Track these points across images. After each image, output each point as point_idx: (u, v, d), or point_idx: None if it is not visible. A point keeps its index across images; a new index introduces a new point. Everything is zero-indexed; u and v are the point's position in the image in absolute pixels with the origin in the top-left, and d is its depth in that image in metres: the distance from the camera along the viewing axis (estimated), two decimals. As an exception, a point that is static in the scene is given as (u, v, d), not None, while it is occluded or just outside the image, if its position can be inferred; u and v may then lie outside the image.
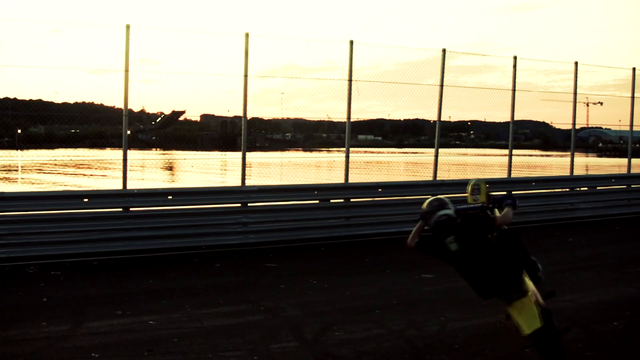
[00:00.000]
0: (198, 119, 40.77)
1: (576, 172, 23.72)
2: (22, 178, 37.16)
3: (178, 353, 8.54)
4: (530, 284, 8.00)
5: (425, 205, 8.41)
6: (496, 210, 8.64)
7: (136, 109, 32.95)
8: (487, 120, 27.78)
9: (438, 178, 19.65)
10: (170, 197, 16.14)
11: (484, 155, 53.00)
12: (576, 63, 22.12)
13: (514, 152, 21.59)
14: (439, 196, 8.61)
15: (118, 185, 15.90)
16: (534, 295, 7.81)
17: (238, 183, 16.91)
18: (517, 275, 7.80)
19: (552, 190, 22.59)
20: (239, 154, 17.00)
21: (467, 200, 9.04)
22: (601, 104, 29.04)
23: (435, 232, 8.21)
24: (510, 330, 9.38)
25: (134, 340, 9.11)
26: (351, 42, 17.73)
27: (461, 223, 8.19)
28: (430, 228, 8.27)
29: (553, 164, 48.33)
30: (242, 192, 16.69)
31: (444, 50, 19.23)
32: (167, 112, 34.47)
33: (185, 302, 11.06)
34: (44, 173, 39.89)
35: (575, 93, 22.26)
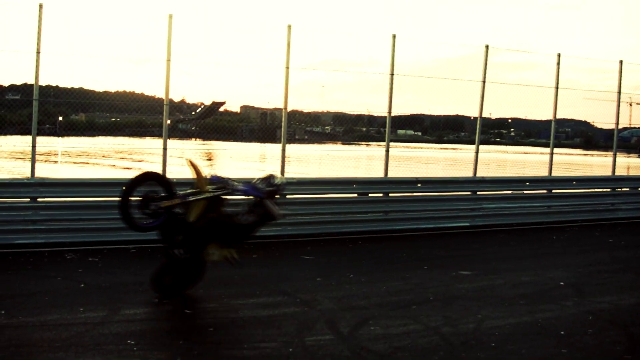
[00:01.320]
0: (238, 110, 40.75)
1: (618, 173, 23.45)
2: (63, 164, 37.43)
3: (213, 343, 8.55)
4: None
5: None
6: None
7: (176, 99, 32.99)
8: (528, 118, 27.54)
9: (478, 175, 19.53)
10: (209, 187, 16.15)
11: (524, 152, 52.63)
12: (621, 62, 21.87)
13: (555, 150, 21.40)
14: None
15: (158, 174, 15.93)
16: None
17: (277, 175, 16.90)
18: None
19: (593, 190, 22.37)
20: (279, 146, 17.00)
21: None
22: (645, 103, 28.68)
23: None
24: (548, 330, 9.32)
25: (170, 328, 9.15)
26: (394, 36, 17.67)
27: None
28: None
29: (594, 163, 47.89)
30: (281, 184, 16.67)
31: (487, 46, 19.10)
32: (208, 102, 34.52)
33: (222, 292, 11.08)
34: (84, 160, 40.16)
35: (619, 92, 22.01)
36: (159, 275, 10.67)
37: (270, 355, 8.14)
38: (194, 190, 11.01)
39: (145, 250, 14.33)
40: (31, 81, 14.47)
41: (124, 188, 10.74)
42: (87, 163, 39.21)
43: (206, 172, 11.23)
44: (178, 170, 14.99)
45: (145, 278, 11.46)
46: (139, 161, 38.26)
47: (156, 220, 10.86)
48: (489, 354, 8.48)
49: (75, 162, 39.34)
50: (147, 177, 11.16)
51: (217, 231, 10.69)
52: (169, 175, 15.71)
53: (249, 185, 11.02)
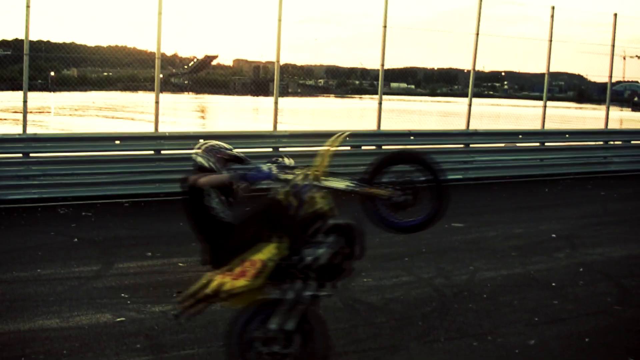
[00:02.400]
0: (231, 63, 40.56)
1: (610, 126, 23.45)
2: (55, 120, 37.31)
3: (207, 295, 8.59)
4: None
5: None
6: None
7: (169, 53, 32.83)
8: (521, 71, 27.48)
9: (471, 128, 19.51)
10: (201, 141, 16.14)
11: (517, 106, 52.61)
12: (615, 14, 21.74)
13: (548, 104, 21.37)
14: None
15: (150, 129, 15.92)
16: None
17: (270, 128, 16.86)
18: None
19: (586, 143, 22.37)
20: (271, 99, 16.95)
21: None
22: (638, 57, 28.63)
23: None
24: (539, 282, 9.39)
25: (163, 282, 9.17)
26: (387, -13, 17.56)
27: None
28: None
29: (587, 117, 47.79)
30: (274, 137, 16.65)
31: (480, -2, 18.99)
32: (200, 56, 34.39)
33: (215, 245, 11.09)
34: (77, 115, 40.02)
35: (613, 45, 21.91)
36: None
37: (263, 307, 8.17)
38: None
39: (139, 204, 14.36)
40: (22, 36, 14.37)
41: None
42: (80, 117, 39.08)
43: None
44: (170, 125, 14.94)
45: (138, 232, 11.49)
46: (131, 119, 38.15)
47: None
48: (481, 305, 8.54)
49: (67, 117, 39.20)
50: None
51: None
52: (161, 128, 15.70)
53: None
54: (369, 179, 6.42)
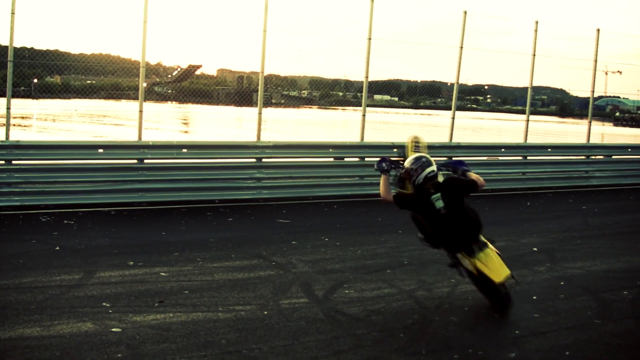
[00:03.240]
0: (215, 73, 40.58)
1: (592, 141, 23.60)
2: (38, 127, 37.20)
3: (188, 305, 8.58)
4: (482, 237, 8.72)
5: (411, 162, 8.63)
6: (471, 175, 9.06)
7: (153, 62, 32.83)
8: (504, 84, 27.59)
9: (453, 140, 19.58)
10: (185, 150, 16.17)
11: (500, 119, 52.76)
12: (598, 30, 21.90)
13: (531, 117, 21.48)
14: (422, 154, 8.85)
15: (133, 137, 15.91)
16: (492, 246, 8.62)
17: (253, 138, 16.88)
18: (479, 230, 8.64)
19: (568, 157, 22.52)
20: (255, 110, 16.98)
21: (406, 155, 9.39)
22: (620, 72, 28.84)
23: (420, 188, 8.57)
24: (520, 295, 9.43)
25: (145, 291, 9.16)
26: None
27: (445, 182, 8.68)
28: (416, 184, 8.57)
29: (569, 131, 48.10)
30: (257, 147, 16.66)
31: (465, 12, 19.09)
32: (184, 66, 34.42)
33: (197, 255, 11.10)
34: (60, 123, 39.93)
35: (595, 60, 22.07)
36: None
37: (245, 318, 8.17)
38: None
39: (121, 213, 14.34)
40: (6, 43, 14.34)
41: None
42: (64, 124, 38.95)
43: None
44: (153, 134, 14.93)
45: (121, 241, 11.47)
46: (117, 127, 38.09)
47: None
48: (462, 318, 8.57)
49: (50, 125, 39.08)
50: None
51: None
52: (145, 137, 15.69)
53: None
54: None
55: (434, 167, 8.54)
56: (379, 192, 8.92)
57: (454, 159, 9.35)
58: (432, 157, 8.72)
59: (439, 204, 8.47)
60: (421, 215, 8.75)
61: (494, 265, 8.46)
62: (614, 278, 10.90)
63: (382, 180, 8.87)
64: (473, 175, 9.01)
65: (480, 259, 8.50)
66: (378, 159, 9.10)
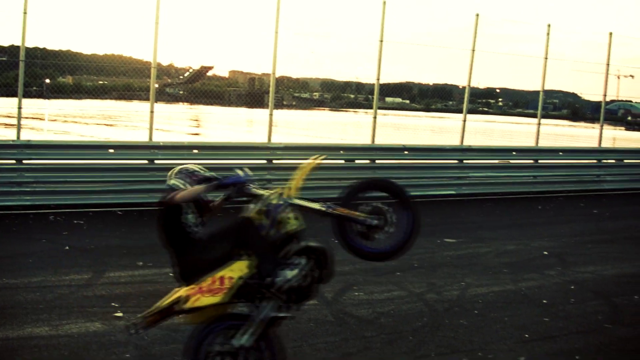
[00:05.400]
0: (226, 75, 40.60)
1: (604, 145, 23.54)
2: (49, 127, 37.27)
3: (197, 306, 8.56)
4: None
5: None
6: None
7: (165, 62, 32.89)
8: (516, 88, 27.54)
9: (465, 143, 19.54)
10: (195, 151, 16.17)
11: (512, 122, 52.64)
12: (610, 34, 21.85)
13: (542, 121, 21.43)
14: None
15: (144, 138, 15.91)
16: None
17: (264, 140, 16.86)
18: None
19: (579, 161, 22.44)
20: (266, 111, 16.97)
21: None
22: (632, 77, 28.72)
23: None
24: (531, 299, 9.39)
25: (154, 291, 9.13)
26: (384, 2, 17.58)
27: None
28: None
29: (581, 135, 47.95)
30: (268, 149, 16.64)
31: (477, 15, 19.05)
32: (196, 67, 34.48)
33: (207, 256, 11.07)
34: (71, 123, 39.99)
35: (608, 64, 22.00)
36: None
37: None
38: None
39: (131, 213, 14.34)
40: (18, 42, 14.37)
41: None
42: (74, 125, 39.03)
43: None
44: (164, 135, 14.93)
45: (130, 241, 11.48)
46: (127, 127, 38.13)
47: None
48: (472, 321, 8.53)
49: (62, 125, 39.16)
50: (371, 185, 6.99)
51: None
52: (155, 138, 15.69)
53: None
54: (343, 203, 6.36)
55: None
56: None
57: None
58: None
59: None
60: None
61: None
62: (625, 282, 10.85)
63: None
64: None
65: None
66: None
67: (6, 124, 30.00)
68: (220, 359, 5.73)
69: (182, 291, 5.86)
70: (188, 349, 5.88)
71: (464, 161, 19.46)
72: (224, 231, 6.07)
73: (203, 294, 5.73)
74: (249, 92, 37.13)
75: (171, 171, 6.50)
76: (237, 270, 5.74)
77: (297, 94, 38.25)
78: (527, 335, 8.12)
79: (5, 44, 20.21)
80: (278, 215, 6.07)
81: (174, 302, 5.88)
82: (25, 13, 14.11)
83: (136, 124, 35.08)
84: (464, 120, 19.47)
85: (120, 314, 8.13)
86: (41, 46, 18.89)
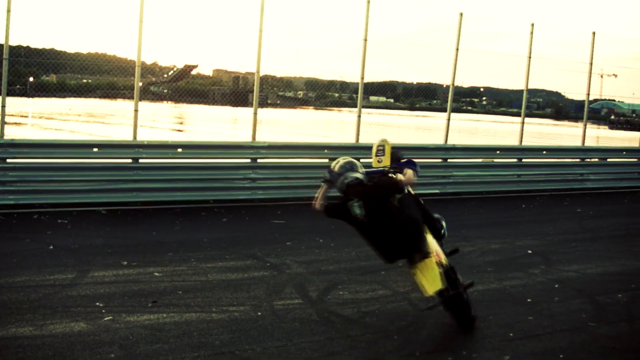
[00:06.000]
0: (210, 73, 40.57)
1: (587, 143, 23.63)
2: (33, 125, 37.15)
3: (182, 305, 8.56)
4: (433, 243, 8.20)
5: (335, 166, 8.02)
6: (398, 175, 8.23)
7: (149, 61, 32.82)
8: (500, 87, 27.59)
9: (449, 142, 19.58)
10: (180, 150, 16.13)
11: (495, 122, 52.76)
12: (594, 33, 21.93)
13: (526, 120, 21.49)
14: (349, 158, 8.13)
15: (128, 136, 15.88)
16: (437, 256, 8.04)
17: (249, 139, 16.85)
18: (419, 236, 7.93)
19: (563, 160, 22.52)
20: (251, 110, 16.95)
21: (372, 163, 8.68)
22: (615, 76, 28.89)
23: (344, 195, 8.06)
24: (515, 298, 9.43)
25: (139, 291, 9.13)
26: (368, 1, 17.58)
27: (369, 187, 7.95)
28: (340, 191, 8.04)
29: (564, 134, 48.11)
30: (252, 148, 16.63)
31: (460, 14, 19.08)
32: (180, 65, 34.46)
33: (191, 255, 11.07)
34: (55, 121, 39.87)
35: (591, 64, 22.08)
36: None
37: (238, 318, 8.15)
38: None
39: (115, 212, 14.31)
40: (1, 41, 14.30)
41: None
42: (59, 124, 38.89)
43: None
44: (148, 133, 14.89)
45: (115, 241, 11.44)
46: (110, 124, 38.04)
47: None
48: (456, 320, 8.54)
49: (45, 123, 39.02)
50: None
51: None
52: (139, 137, 15.64)
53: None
54: None
55: (356, 174, 7.90)
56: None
57: (405, 159, 8.17)
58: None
59: (357, 210, 7.92)
60: (354, 226, 8.24)
61: (429, 277, 7.82)
62: (609, 281, 10.90)
63: (322, 188, 8.25)
64: (403, 175, 8.16)
65: (419, 268, 7.92)
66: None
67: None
68: None
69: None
70: None
71: (448, 160, 19.50)
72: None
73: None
74: (233, 91, 37.07)
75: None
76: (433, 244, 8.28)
77: (281, 92, 38.21)
78: (511, 334, 8.14)
79: (-12, 42, 20.14)
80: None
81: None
82: (8, 11, 14.05)
83: (120, 122, 35.02)
84: (448, 119, 19.50)
85: (105, 314, 8.12)
86: (25, 44, 18.81)
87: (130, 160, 15.46)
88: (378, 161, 8.67)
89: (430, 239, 8.20)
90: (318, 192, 8.28)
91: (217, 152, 16.86)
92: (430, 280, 7.80)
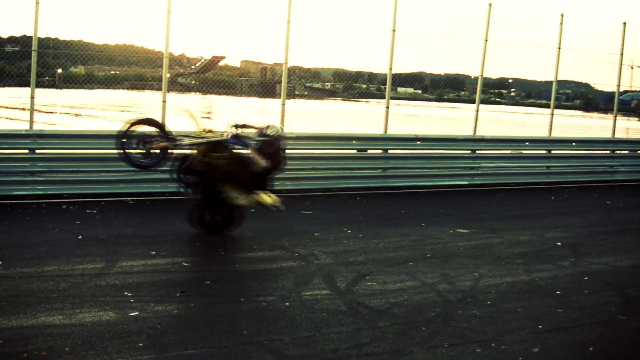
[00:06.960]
0: (238, 65, 40.57)
1: (617, 135, 23.43)
2: (61, 117, 37.32)
3: (210, 295, 8.57)
4: None
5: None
6: None
7: (176, 52, 32.87)
8: (529, 78, 27.40)
9: (477, 134, 19.48)
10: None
11: (524, 113, 52.47)
12: (624, 23, 21.73)
13: (555, 112, 21.35)
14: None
15: (156, 127, 15.90)
16: None
17: (276, 130, 16.84)
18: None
19: (593, 152, 22.36)
20: (278, 101, 16.95)
21: None
22: (646, 67, 28.60)
23: None
24: (544, 290, 9.36)
25: (167, 281, 9.15)
26: (396, -8, 17.52)
27: None
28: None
29: (594, 125, 47.81)
30: (281, 139, 16.62)
31: (490, 4, 18.96)
32: (208, 57, 34.48)
33: (220, 245, 11.09)
34: (83, 112, 40.05)
35: (621, 54, 21.89)
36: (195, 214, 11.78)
37: (266, 309, 8.15)
38: (193, 137, 11.87)
39: (143, 202, 14.36)
40: (30, 32, 14.38)
41: (121, 128, 11.70)
42: (87, 115, 39.07)
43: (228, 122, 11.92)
44: (177, 123, 14.90)
45: (143, 231, 11.48)
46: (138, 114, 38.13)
47: (153, 160, 11.88)
48: (485, 312, 8.50)
49: (73, 115, 39.21)
50: (144, 121, 12.12)
51: (219, 175, 11.38)
52: (168, 127, 15.67)
53: (234, 136, 11.68)
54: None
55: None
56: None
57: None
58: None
59: None
60: None
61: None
62: (639, 274, 10.82)
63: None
64: None
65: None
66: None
67: (19, 115, 30.01)
68: None
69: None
70: None
71: (477, 151, 19.41)
72: None
73: None
74: (260, 82, 37.09)
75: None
76: None
77: (308, 84, 38.20)
78: (540, 326, 8.09)
79: (18, 34, 20.26)
80: None
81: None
82: (37, 3, 14.11)
83: (150, 112, 35.10)
84: (477, 111, 19.41)
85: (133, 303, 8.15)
86: (53, 36, 18.91)
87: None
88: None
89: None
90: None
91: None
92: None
